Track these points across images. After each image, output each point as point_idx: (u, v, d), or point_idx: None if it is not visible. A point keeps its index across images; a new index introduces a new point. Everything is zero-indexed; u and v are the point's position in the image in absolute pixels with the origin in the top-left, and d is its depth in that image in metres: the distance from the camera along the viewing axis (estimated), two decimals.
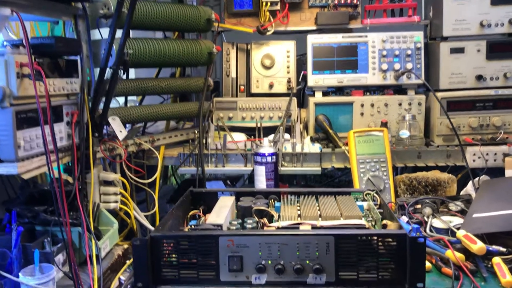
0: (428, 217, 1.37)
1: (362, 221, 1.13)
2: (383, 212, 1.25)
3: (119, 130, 1.45)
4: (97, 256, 1.27)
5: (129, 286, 1.18)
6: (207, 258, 1.06)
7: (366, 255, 1.04)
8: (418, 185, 1.57)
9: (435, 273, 1.11)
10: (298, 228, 1.12)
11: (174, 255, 1.07)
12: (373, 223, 1.23)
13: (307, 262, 1.05)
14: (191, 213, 1.37)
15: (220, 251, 1.05)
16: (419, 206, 1.44)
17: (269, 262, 1.05)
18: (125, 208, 1.53)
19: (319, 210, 1.25)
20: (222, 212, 1.25)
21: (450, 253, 1.11)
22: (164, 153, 1.71)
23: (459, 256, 1.10)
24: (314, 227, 1.12)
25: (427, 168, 1.66)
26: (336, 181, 2.33)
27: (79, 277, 1.13)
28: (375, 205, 1.29)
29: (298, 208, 1.29)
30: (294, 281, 1.06)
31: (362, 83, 1.75)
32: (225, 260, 1.06)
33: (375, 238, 1.03)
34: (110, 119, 1.45)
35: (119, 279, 1.27)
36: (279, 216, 1.23)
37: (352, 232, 1.05)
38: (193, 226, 1.15)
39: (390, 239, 1.03)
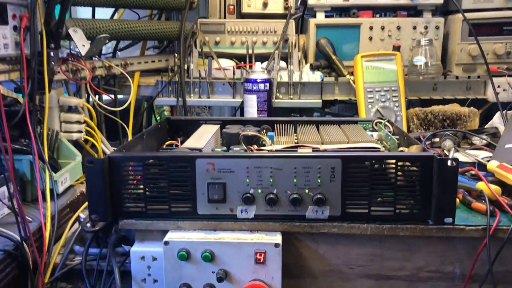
0: (449, 150, 1.16)
1: (376, 144, 0.91)
2: (399, 140, 1.03)
3: (82, 44, 1.20)
4: (51, 191, 1.05)
5: (88, 224, 0.96)
6: (181, 186, 0.85)
7: (381, 184, 0.83)
8: (434, 119, 1.35)
9: (463, 209, 0.90)
10: (296, 151, 0.90)
11: (139, 181, 0.85)
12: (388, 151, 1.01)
13: (307, 191, 0.83)
14: (167, 143, 1.15)
15: (198, 177, 0.83)
16: (437, 139, 1.22)
17: (259, 191, 0.83)
18: (92, 140, 1.30)
19: (321, 137, 1.03)
20: (203, 138, 1.03)
21: (483, 185, 0.90)
22: (139, 81, 1.47)
23: (495, 188, 0.89)
24: (315, 150, 0.90)
25: (444, 102, 1.44)
26: None
27: (22, 210, 0.91)
28: (389, 132, 1.07)
29: (296, 137, 1.07)
30: (289, 215, 0.84)
31: (371, 3, 1.50)
32: (203, 188, 0.84)
33: (394, 162, 0.81)
34: (70, 31, 1.20)
35: (79, 217, 1.05)
36: (272, 144, 1.01)
37: (365, 154, 0.83)
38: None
39: (412, 163, 0.82)
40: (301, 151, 0.89)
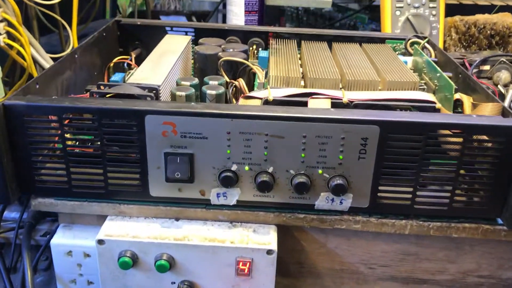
0: (505, 86, 0.85)
1: (427, 95, 0.60)
2: (453, 80, 0.71)
3: None
4: None
5: None
6: (124, 154, 0.54)
7: (435, 164, 0.53)
8: (479, 34, 1.02)
9: None
10: (305, 104, 0.58)
11: (57, 145, 0.54)
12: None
13: (320, 172, 0.53)
14: (115, 60, 0.81)
15: (149, 143, 0.52)
16: (487, 67, 0.90)
17: (246, 168, 0.53)
18: (16, 46, 0.94)
19: (338, 66, 0.70)
20: (163, 64, 0.69)
21: None
22: None
23: None
24: (335, 102, 0.58)
25: (491, 9, 1.10)
26: (337, 25, 1.74)
27: None
28: (434, 62, 0.74)
29: (300, 62, 0.74)
30: (290, 203, 0.55)
31: None
32: (158, 160, 0.53)
33: (462, 133, 0.51)
34: None
35: None
36: (267, 75, 0.69)
37: (419, 119, 0.51)
38: (103, 89, 0.60)
39: (491, 137, 0.51)
40: (314, 104, 0.57)
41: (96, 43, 0.78)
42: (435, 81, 0.70)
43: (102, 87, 0.61)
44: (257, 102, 0.57)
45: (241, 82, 0.67)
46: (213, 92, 0.64)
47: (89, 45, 0.75)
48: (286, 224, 0.57)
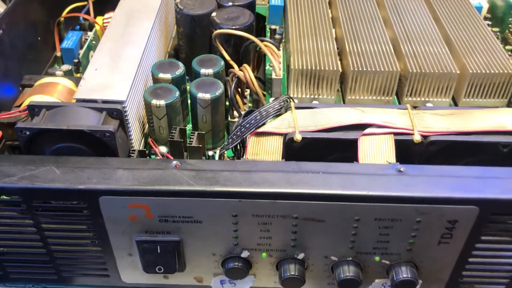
0: None
1: None
2: None
3: None
4: None
5: None
6: (75, 240, 0.35)
7: None
8: None
9: None
10: (353, 146, 0.36)
11: None
12: None
13: (377, 259, 0.35)
14: (64, 14, 0.57)
15: (110, 229, 0.33)
16: None
17: (264, 254, 0.35)
18: None
19: (390, 35, 0.47)
20: (131, 44, 0.46)
21: None
22: None
23: None
24: (402, 142, 0.37)
25: None
26: None
27: None
28: None
29: (332, 15, 0.51)
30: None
31: None
32: (129, 247, 0.35)
33: None
34: None
35: None
36: (283, 38, 0.47)
37: None
38: (35, 112, 0.38)
39: None
40: (369, 148, 0.35)
41: None
42: None
43: (35, 109, 0.39)
44: (277, 144, 0.37)
45: (247, 72, 0.45)
46: (207, 96, 0.42)
47: (20, 3, 0.51)
48: None
